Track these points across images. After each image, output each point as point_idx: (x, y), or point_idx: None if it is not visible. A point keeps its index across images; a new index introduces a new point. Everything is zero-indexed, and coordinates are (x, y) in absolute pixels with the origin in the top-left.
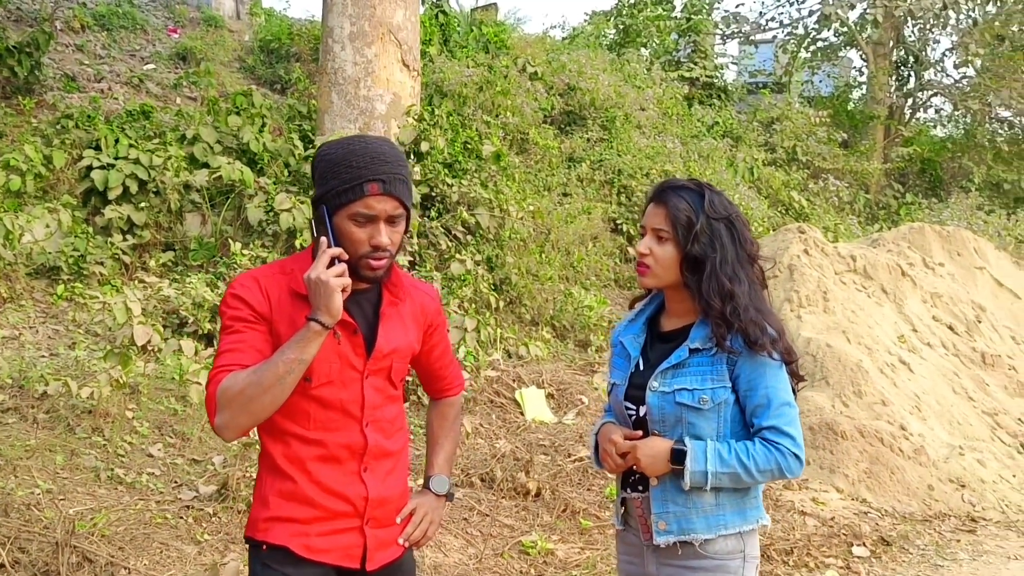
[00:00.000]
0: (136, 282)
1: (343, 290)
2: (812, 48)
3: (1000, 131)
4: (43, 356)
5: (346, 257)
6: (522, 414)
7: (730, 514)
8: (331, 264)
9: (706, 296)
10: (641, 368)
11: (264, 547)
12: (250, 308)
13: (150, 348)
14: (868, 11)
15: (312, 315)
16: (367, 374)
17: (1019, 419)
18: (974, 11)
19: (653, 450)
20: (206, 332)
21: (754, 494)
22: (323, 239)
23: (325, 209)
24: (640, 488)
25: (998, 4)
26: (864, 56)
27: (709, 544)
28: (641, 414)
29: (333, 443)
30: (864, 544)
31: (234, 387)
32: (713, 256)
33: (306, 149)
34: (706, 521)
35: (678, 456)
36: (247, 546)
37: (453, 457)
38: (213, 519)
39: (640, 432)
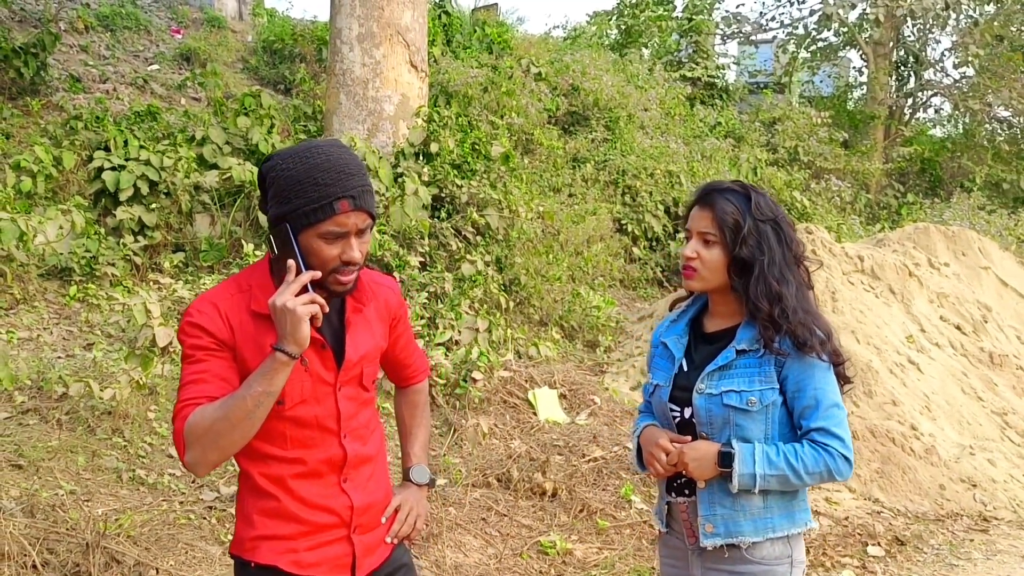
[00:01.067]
0: (150, 283)
1: (313, 317)
2: (812, 48)
3: (999, 131)
4: (59, 357)
5: (319, 276)
6: (535, 414)
7: (778, 517)
8: (302, 290)
9: (754, 299)
10: (685, 369)
11: (253, 566)
12: (210, 336)
13: (169, 350)
14: (869, 11)
15: (278, 344)
16: (339, 386)
17: None
18: (974, 11)
19: (700, 453)
20: None
21: (802, 497)
22: (291, 263)
23: (289, 228)
24: (687, 492)
25: (998, 4)
26: (864, 56)
27: (756, 548)
28: (686, 416)
29: (312, 459)
30: (879, 544)
31: (202, 423)
32: (761, 259)
33: None
34: (754, 524)
35: (726, 459)
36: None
37: (428, 444)
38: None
39: (688, 437)
